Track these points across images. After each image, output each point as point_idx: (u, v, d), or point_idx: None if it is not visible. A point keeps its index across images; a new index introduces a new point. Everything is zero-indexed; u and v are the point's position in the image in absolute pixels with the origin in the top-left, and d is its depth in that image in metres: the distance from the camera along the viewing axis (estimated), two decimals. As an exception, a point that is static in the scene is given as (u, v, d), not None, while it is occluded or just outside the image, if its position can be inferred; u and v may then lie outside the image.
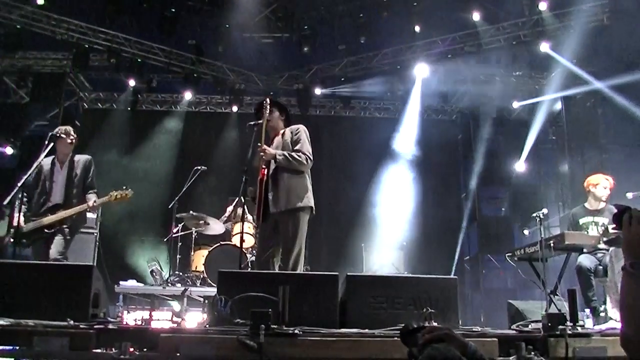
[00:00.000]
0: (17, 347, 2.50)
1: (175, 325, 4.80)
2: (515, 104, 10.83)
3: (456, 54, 10.09)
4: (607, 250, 4.75)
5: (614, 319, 4.28)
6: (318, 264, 9.14)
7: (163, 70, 10.79)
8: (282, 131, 4.63)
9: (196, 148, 10.73)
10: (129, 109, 11.06)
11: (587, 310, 4.70)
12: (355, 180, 10.48)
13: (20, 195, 4.52)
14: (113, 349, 2.48)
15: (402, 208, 10.13)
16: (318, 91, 10.92)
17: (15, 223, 4.63)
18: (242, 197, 4.65)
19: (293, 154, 4.39)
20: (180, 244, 7.51)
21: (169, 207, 7.45)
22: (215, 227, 7.45)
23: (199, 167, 7.58)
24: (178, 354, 2.44)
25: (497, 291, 9.99)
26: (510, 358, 2.64)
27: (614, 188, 5.38)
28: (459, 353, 1.49)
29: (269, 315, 2.49)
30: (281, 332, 2.52)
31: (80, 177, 5.10)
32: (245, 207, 5.36)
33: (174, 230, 7.40)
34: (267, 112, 4.53)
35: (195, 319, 5.49)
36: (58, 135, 4.91)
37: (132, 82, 10.75)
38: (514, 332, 3.03)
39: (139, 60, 10.33)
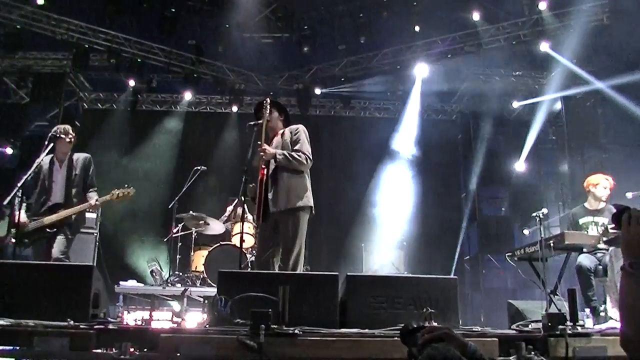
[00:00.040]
0: (17, 347, 2.50)
1: (175, 325, 4.80)
2: (515, 104, 10.82)
3: (456, 54, 10.09)
4: (607, 250, 4.75)
5: (614, 318, 4.28)
6: (318, 264, 9.14)
7: (163, 70, 10.79)
8: (281, 131, 4.63)
9: (196, 148, 10.73)
10: (128, 109, 11.05)
11: (587, 310, 4.70)
12: (355, 180, 10.48)
13: (19, 195, 4.51)
14: (113, 349, 2.48)
15: (402, 208, 10.14)
16: (318, 91, 10.91)
17: (14, 225, 4.62)
18: (242, 197, 4.64)
19: (293, 153, 4.39)
20: (180, 244, 7.52)
21: (169, 207, 7.46)
22: (215, 227, 7.45)
23: (199, 167, 7.59)
24: (178, 354, 2.45)
25: (497, 291, 9.98)
26: (510, 358, 2.64)
27: (614, 188, 5.39)
28: (459, 353, 1.49)
29: (269, 315, 2.50)
30: (281, 332, 2.52)
31: (80, 175, 5.10)
32: (245, 206, 5.36)
33: (174, 230, 7.41)
34: (267, 112, 4.54)
35: (195, 319, 5.48)
36: (58, 136, 4.91)
37: (132, 82, 10.75)
38: (514, 332, 3.03)
39: (138, 60, 10.33)
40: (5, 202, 4.56)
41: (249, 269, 6.01)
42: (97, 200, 4.97)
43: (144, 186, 8.22)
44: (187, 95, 11.14)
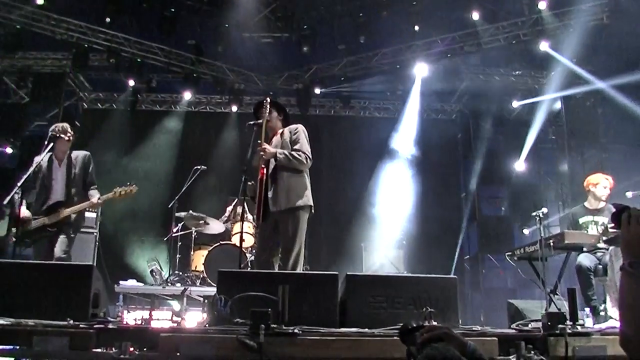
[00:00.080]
0: (17, 347, 2.51)
1: (175, 325, 4.81)
2: (515, 104, 10.82)
3: (456, 54, 10.09)
4: (607, 249, 4.75)
5: (613, 318, 4.28)
6: (318, 264, 9.14)
7: (163, 70, 10.78)
8: (280, 131, 4.64)
9: (196, 148, 10.73)
10: (128, 109, 11.05)
11: (587, 310, 4.70)
12: (354, 179, 10.49)
13: (19, 193, 4.51)
14: (113, 349, 2.48)
15: (402, 207, 10.13)
16: (318, 91, 10.91)
17: (16, 222, 4.61)
18: (242, 197, 4.64)
19: (293, 153, 4.40)
20: (180, 243, 7.52)
21: (169, 206, 7.45)
22: (215, 226, 7.45)
23: (199, 167, 7.59)
24: (178, 354, 2.45)
25: (497, 291, 9.99)
26: (510, 357, 2.64)
27: (614, 187, 5.39)
28: (458, 352, 1.49)
29: (268, 315, 2.50)
30: (281, 332, 2.52)
31: (79, 173, 5.09)
32: (246, 206, 5.36)
33: (174, 230, 7.41)
34: (267, 111, 4.54)
35: (195, 318, 5.49)
36: (57, 135, 4.90)
37: (131, 82, 10.75)
38: (514, 331, 3.03)
39: (138, 60, 10.32)
40: (5, 202, 4.56)
41: (249, 269, 6.00)
42: (99, 198, 4.97)
43: (144, 186, 8.15)
44: (187, 95, 11.14)
